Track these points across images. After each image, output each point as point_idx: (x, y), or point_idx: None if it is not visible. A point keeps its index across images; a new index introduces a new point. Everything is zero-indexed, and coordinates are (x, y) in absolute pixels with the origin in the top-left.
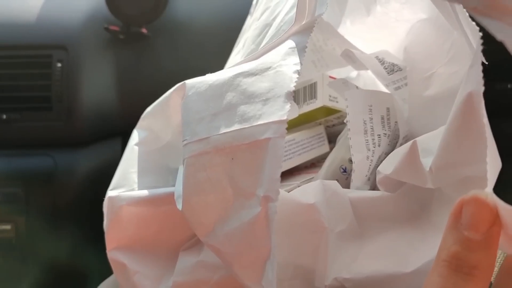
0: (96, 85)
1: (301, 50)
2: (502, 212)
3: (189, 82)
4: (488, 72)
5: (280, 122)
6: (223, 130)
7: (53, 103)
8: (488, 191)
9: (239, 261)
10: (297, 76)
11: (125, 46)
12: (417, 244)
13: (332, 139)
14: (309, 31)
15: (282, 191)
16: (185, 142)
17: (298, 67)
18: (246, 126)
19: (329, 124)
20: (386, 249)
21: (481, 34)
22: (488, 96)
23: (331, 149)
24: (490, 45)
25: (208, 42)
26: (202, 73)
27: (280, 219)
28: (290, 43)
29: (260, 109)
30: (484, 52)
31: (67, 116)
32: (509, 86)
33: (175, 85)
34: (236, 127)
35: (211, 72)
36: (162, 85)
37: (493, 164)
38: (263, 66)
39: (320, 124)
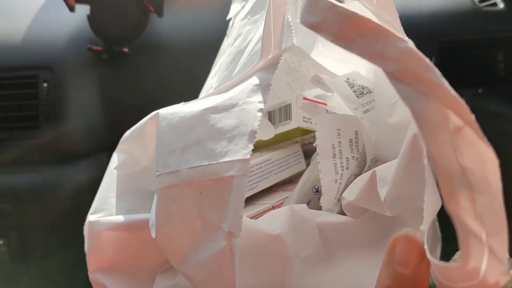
0: (82, 103)
1: (265, 87)
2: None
3: (162, 112)
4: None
5: (243, 160)
6: (192, 164)
7: (41, 121)
8: (422, 229)
9: None
10: (261, 114)
11: (108, 65)
12: (375, 271)
13: (309, 154)
14: (273, 68)
15: (249, 221)
16: (157, 173)
17: (262, 106)
18: (213, 162)
19: (305, 142)
20: (346, 275)
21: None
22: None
23: (307, 165)
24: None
25: (188, 60)
26: (182, 90)
27: (247, 248)
28: (255, 80)
29: (226, 146)
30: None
31: (54, 134)
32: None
33: (156, 101)
34: (203, 162)
35: (190, 90)
36: (144, 101)
37: (431, 203)
38: (230, 102)
39: (296, 142)
